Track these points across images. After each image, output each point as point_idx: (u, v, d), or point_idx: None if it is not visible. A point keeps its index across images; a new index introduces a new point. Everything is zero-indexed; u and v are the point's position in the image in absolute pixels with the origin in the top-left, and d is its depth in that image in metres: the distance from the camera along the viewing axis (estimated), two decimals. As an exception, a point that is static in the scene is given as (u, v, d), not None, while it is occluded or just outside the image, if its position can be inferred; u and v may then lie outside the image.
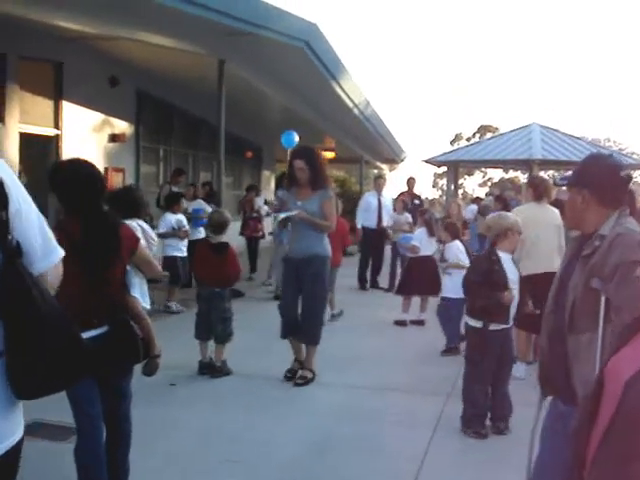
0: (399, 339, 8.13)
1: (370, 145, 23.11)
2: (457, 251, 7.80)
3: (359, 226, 12.42)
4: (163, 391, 5.79)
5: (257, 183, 21.96)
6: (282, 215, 6.31)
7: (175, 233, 9.70)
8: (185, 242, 9.90)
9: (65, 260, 3.16)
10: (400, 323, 8.98)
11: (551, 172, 27.10)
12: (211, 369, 6.42)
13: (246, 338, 6.09)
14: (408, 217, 11.90)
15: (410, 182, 13.98)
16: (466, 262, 7.66)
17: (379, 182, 13.08)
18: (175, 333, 7.11)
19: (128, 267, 3.44)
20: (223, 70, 10.31)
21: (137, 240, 3.46)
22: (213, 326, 6.48)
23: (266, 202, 14.10)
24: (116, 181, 13.00)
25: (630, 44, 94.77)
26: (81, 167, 3.32)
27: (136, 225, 4.41)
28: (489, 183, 51.83)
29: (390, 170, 32.88)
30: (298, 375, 6.27)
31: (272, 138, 18.05)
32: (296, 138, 9.56)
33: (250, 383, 6.22)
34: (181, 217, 9.93)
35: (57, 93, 11.41)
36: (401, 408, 5.65)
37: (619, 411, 1.75)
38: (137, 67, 12.33)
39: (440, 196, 46.27)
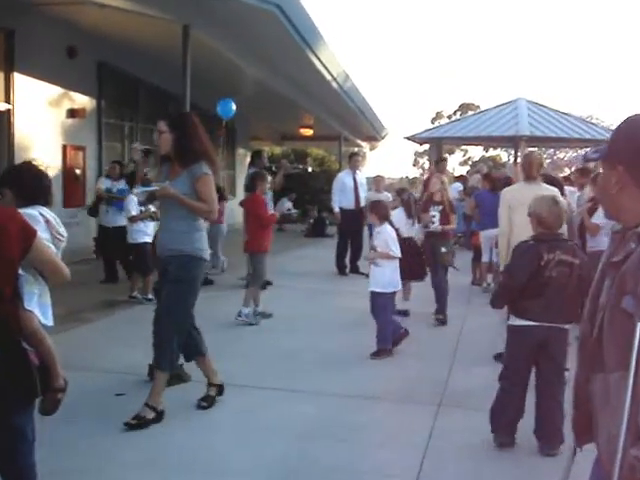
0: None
1: (350, 122, 22.30)
2: (388, 237, 6.64)
3: (336, 208, 11.61)
4: (106, 403, 4.98)
5: (231, 162, 21.12)
6: (137, 191, 4.94)
7: (148, 214, 8.64)
8: (152, 226, 8.99)
9: None
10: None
11: (535, 148, 26.47)
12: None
13: (210, 338, 5.23)
14: (388, 196, 11.16)
15: (441, 164, 12.43)
16: (397, 252, 6.65)
17: (355, 159, 12.18)
18: (138, 328, 6.26)
19: (21, 271, 2.61)
20: (188, 36, 9.42)
21: (33, 235, 2.61)
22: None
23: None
24: (75, 160, 12.19)
25: (615, 25, 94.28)
26: None
27: (37, 214, 3.35)
28: (470, 162, 51.24)
29: (370, 149, 32.08)
30: (134, 415, 4.57)
31: (246, 114, 17.21)
32: (233, 107, 8.55)
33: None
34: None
35: (8, 64, 10.64)
36: (382, 422, 4.90)
37: None
38: (98, 36, 11.50)
39: (421, 175, 45.59)
